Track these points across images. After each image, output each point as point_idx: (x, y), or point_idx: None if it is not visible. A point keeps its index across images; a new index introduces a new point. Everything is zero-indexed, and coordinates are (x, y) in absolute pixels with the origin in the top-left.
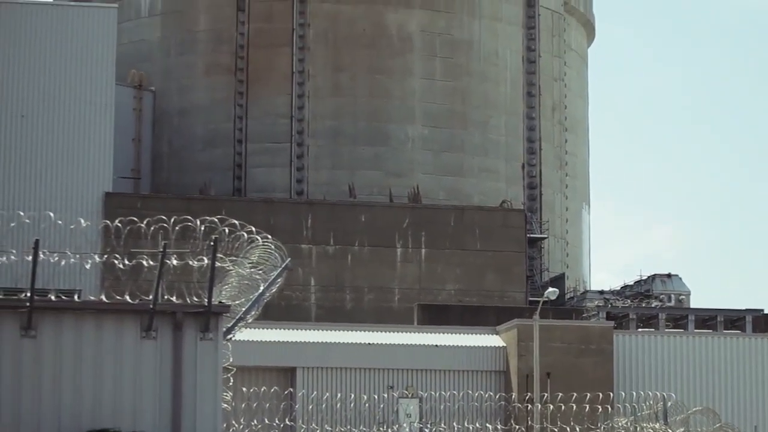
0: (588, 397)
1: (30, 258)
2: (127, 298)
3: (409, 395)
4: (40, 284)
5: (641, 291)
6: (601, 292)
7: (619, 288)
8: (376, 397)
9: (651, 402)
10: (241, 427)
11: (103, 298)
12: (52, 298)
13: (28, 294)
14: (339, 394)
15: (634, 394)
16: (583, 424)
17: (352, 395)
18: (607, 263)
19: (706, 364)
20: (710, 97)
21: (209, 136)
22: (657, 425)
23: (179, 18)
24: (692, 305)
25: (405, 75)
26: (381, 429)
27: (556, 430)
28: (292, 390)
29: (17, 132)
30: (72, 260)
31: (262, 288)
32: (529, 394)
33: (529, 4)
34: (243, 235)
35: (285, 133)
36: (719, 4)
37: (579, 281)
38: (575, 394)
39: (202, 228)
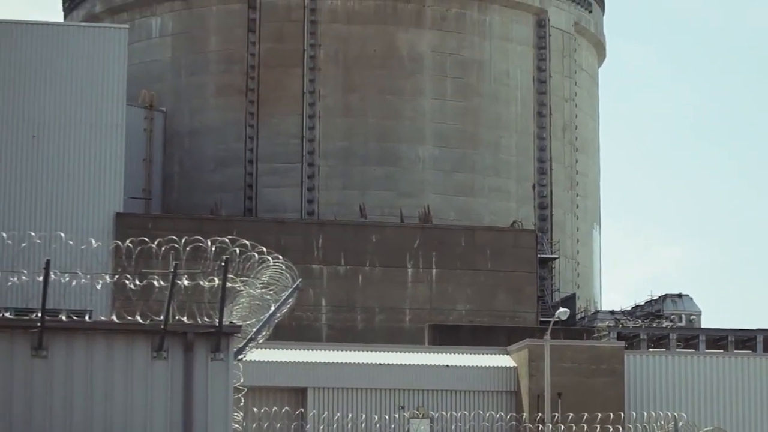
0: (599, 417)
1: (41, 278)
2: (138, 318)
3: (420, 415)
4: (51, 304)
5: (652, 311)
6: (612, 312)
7: (629, 308)
8: (387, 417)
9: (662, 422)
10: None
11: (114, 318)
12: (63, 318)
13: (39, 314)
14: (350, 415)
15: (645, 414)
16: None
17: (363, 415)
18: (618, 283)
19: (717, 384)
20: (721, 117)
21: (220, 156)
22: None
23: (190, 39)
24: (703, 325)
25: (416, 95)
26: None
27: None
28: (303, 410)
29: (28, 152)
30: (83, 280)
31: (273, 308)
32: (540, 414)
33: (540, 24)
34: (254, 255)
35: (296, 154)
36: (730, 23)
37: (590, 301)
38: (586, 415)
39: (213, 248)
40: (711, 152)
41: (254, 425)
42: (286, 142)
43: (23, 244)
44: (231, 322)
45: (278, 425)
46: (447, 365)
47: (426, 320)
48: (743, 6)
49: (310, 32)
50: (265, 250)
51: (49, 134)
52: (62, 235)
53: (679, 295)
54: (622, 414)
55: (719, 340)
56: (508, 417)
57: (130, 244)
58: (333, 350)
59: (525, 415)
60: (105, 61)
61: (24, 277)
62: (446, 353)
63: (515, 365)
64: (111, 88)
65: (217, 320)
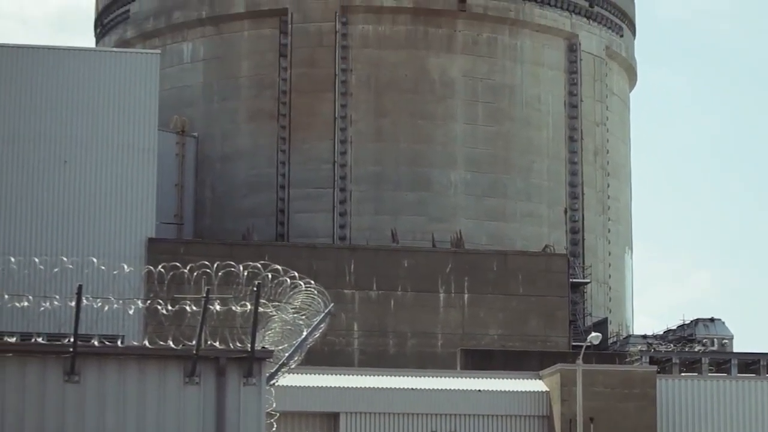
0: None
1: (73, 303)
2: (171, 343)
3: None
4: (84, 330)
5: (684, 335)
6: (644, 337)
7: (662, 332)
8: None
9: None
10: None
11: (146, 343)
12: (96, 343)
13: (72, 339)
14: None
15: None
16: None
17: None
18: (650, 307)
19: (749, 408)
20: (752, 141)
21: (252, 181)
22: None
23: (222, 64)
24: (735, 349)
25: (447, 120)
26: None
27: None
28: None
29: (60, 178)
30: (115, 306)
31: (305, 333)
32: None
33: (571, 49)
34: (286, 280)
35: (328, 179)
36: (761, 48)
37: (622, 326)
38: None
39: (245, 273)
40: (742, 176)
41: None
42: (318, 167)
43: (55, 270)
44: (263, 347)
45: None
46: (479, 390)
47: (458, 345)
48: None
49: (341, 57)
50: (297, 275)
51: (81, 159)
52: (94, 260)
53: (711, 320)
54: None
55: (751, 364)
56: None
57: (162, 270)
58: (365, 375)
59: None
60: (137, 86)
61: (56, 303)
62: (478, 378)
63: (547, 390)
64: (143, 113)
65: (249, 345)
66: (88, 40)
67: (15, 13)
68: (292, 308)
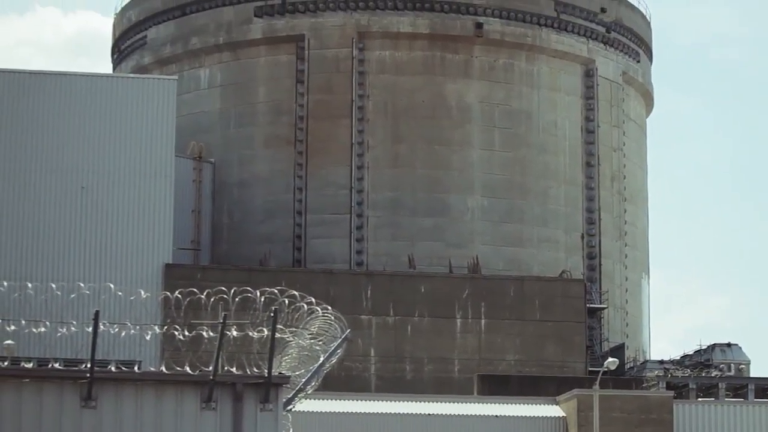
0: None
1: (90, 329)
2: (187, 369)
3: None
4: (101, 355)
5: (701, 360)
6: (661, 362)
7: (678, 357)
8: None
9: None
10: None
11: (163, 369)
12: (113, 369)
13: (89, 365)
14: None
15: None
16: None
17: None
18: (667, 332)
19: None
20: None
21: (269, 207)
22: None
23: (239, 90)
24: (752, 374)
25: (464, 146)
26: None
27: None
28: None
29: (77, 203)
30: (132, 331)
31: (322, 359)
32: None
33: (588, 74)
34: (303, 306)
35: (344, 205)
36: None
37: (639, 351)
38: None
39: (262, 299)
40: (758, 201)
41: None
42: (335, 193)
43: (72, 295)
44: (280, 373)
45: None
46: (496, 415)
47: (475, 370)
48: None
49: (358, 83)
50: (314, 300)
51: (98, 185)
52: (111, 286)
53: (728, 345)
54: None
55: None
56: None
57: (179, 295)
58: (382, 401)
59: None
60: (154, 112)
61: (73, 328)
62: (495, 403)
63: (564, 415)
64: (160, 139)
65: (266, 371)
66: (105, 65)
67: (32, 38)
68: (309, 334)
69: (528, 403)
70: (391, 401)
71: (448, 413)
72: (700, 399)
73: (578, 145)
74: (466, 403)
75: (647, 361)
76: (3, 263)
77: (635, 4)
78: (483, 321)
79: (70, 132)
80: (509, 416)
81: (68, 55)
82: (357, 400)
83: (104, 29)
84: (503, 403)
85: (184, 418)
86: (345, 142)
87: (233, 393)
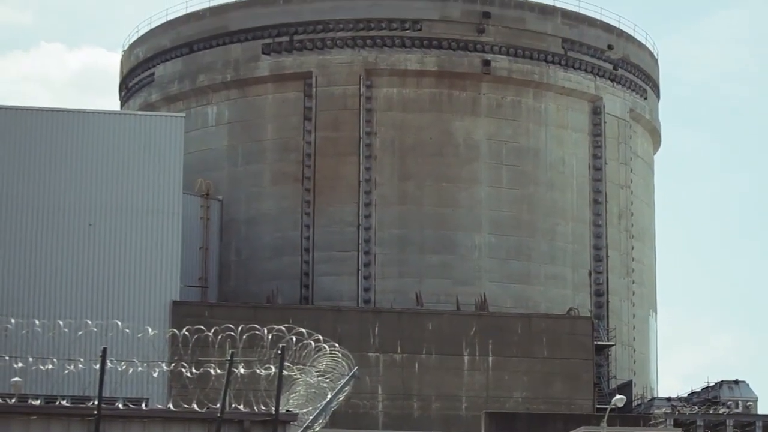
0: None
1: (98, 366)
2: (195, 406)
3: None
4: (108, 392)
5: (708, 397)
6: (669, 399)
7: (686, 395)
8: None
9: None
10: None
11: (171, 406)
12: (120, 406)
13: (96, 402)
14: None
15: None
16: None
17: None
18: (675, 369)
19: None
20: None
21: (276, 244)
22: None
23: (246, 127)
24: (760, 412)
25: (472, 183)
26: None
27: None
28: None
29: (85, 240)
30: (139, 368)
31: (329, 396)
32: None
33: (595, 111)
34: (310, 343)
35: (352, 242)
36: None
37: (646, 388)
38: None
39: (270, 336)
40: (765, 239)
41: None
42: (342, 230)
43: (80, 333)
44: (287, 410)
45: None
46: None
47: (482, 408)
48: None
49: (366, 120)
50: (321, 338)
51: (106, 222)
52: (119, 323)
53: (736, 382)
54: None
55: None
56: None
57: (186, 332)
58: None
59: None
60: (161, 149)
61: (81, 365)
62: None
63: None
64: (167, 176)
65: (273, 408)
66: (110, 100)
67: (37, 74)
68: (316, 371)
69: None
70: None
71: None
72: None
73: (585, 182)
74: None
75: (655, 398)
76: (11, 300)
77: (642, 41)
78: (490, 358)
79: (77, 169)
80: None
81: (74, 91)
82: None
83: (109, 64)
84: None
85: None
86: (352, 180)
87: (241, 430)
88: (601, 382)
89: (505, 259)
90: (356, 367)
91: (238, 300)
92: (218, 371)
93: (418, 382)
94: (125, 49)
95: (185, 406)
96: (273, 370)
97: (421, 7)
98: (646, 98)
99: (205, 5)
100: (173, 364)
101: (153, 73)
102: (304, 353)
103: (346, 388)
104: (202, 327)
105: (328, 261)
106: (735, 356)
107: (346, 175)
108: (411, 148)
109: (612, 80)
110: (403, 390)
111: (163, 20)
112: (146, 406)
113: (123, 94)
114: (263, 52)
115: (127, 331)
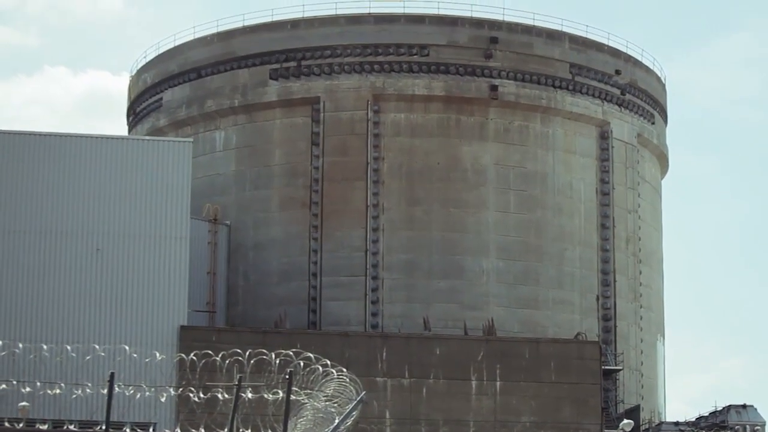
0: None
1: (105, 391)
2: (203, 431)
3: None
4: (116, 417)
5: (716, 422)
6: (676, 424)
7: (694, 419)
8: None
9: None
10: None
11: (178, 431)
12: (128, 430)
13: (104, 426)
14: None
15: None
16: None
17: None
18: (682, 394)
19: None
20: None
21: (284, 269)
22: None
23: (254, 152)
24: None
25: (479, 208)
26: None
27: None
28: None
29: (92, 265)
30: (147, 393)
31: (337, 421)
32: None
33: (603, 136)
34: (318, 368)
35: (360, 267)
36: None
37: (654, 412)
38: None
39: (278, 361)
40: None
41: None
42: (350, 255)
43: (87, 357)
44: None
45: None
46: None
47: None
48: None
49: (373, 145)
50: (329, 363)
51: (114, 247)
52: (126, 348)
53: (744, 406)
54: None
55: None
56: None
57: (194, 357)
58: None
59: None
60: (169, 174)
61: (88, 390)
62: None
63: None
64: (175, 201)
65: None
66: (115, 124)
67: (41, 97)
68: (324, 396)
69: None
70: None
71: None
72: None
73: (593, 207)
74: None
75: (663, 422)
76: (18, 325)
77: (650, 66)
78: (498, 383)
79: (85, 194)
80: None
81: (78, 115)
82: None
83: (114, 88)
84: None
85: None
86: (360, 205)
87: None
88: (609, 407)
89: (513, 284)
90: (364, 392)
91: (245, 325)
92: (226, 396)
93: (426, 406)
94: (133, 74)
95: (193, 430)
96: (281, 394)
97: (429, 33)
98: (653, 123)
99: (213, 30)
100: (181, 389)
101: (161, 99)
102: (311, 378)
103: (354, 413)
104: (210, 352)
105: (336, 286)
106: (743, 380)
107: (353, 200)
108: (418, 173)
109: (620, 105)
110: (410, 414)
111: (170, 45)
112: (154, 430)
113: (131, 119)
114: (271, 78)
115: (135, 355)
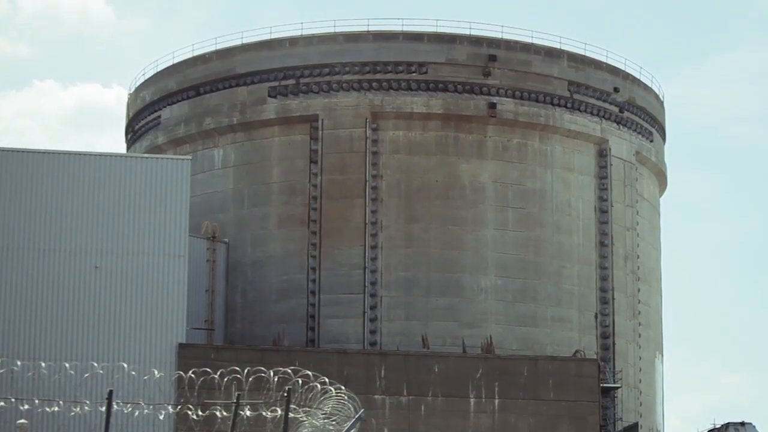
0: None
1: (104, 408)
2: None
3: None
4: None
5: None
6: None
7: None
8: None
9: None
10: None
11: None
12: None
13: None
14: None
15: None
16: None
17: None
18: (681, 411)
19: None
20: None
21: (283, 287)
22: None
23: (252, 170)
24: None
25: (478, 225)
26: None
27: None
28: None
29: (90, 283)
30: (146, 411)
31: None
32: None
33: (601, 154)
34: (316, 386)
35: (358, 284)
36: None
37: (653, 430)
38: None
39: (276, 379)
40: None
41: None
42: (348, 273)
43: (86, 375)
44: None
45: None
46: None
47: None
48: None
49: (371, 163)
50: (327, 380)
51: (112, 265)
52: (125, 365)
53: (742, 423)
54: None
55: None
56: None
57: (192, 375)
58: None
59: None
60: (168, 192)
61: (87, 408)
62: None
63: None
64: (174, 218)
65: None
66: (105, 137)
67: (31, 110)
68: (322, 414)
69: None
70: None
71: None
72: None
73: (592, 225)
74: None
75: None
76: (16, 343)
77: (648, 83)
78: (497, 401)
79: (83, 212)
80: None
81: (68, 128)
82: None
83: (105, 101)
84: None
85: None
86: (358, 222)
87: None
88: (608, 425)
89: (512, 302)
90: (362, 410)
91: (244, 342)
92: (224, 414)
93: (424, 424)
94: (131, 92)
95: None
96: (279, 412)
97: (427, 51)
98: (652, 141)
99: (212, 48)
100: (179, 407)
101: (159, 116)
102: (310, 395)
103: (353, 431)
104: (208, 369)
105: (335, 303)
106: (741, 397)
107: (352, 217)
108: (417, 191)
109: (618, 123)
110: None
111: (169, 63)
112: None
113: (129, 136)
114: (269, 95)
115: (133, 373)
